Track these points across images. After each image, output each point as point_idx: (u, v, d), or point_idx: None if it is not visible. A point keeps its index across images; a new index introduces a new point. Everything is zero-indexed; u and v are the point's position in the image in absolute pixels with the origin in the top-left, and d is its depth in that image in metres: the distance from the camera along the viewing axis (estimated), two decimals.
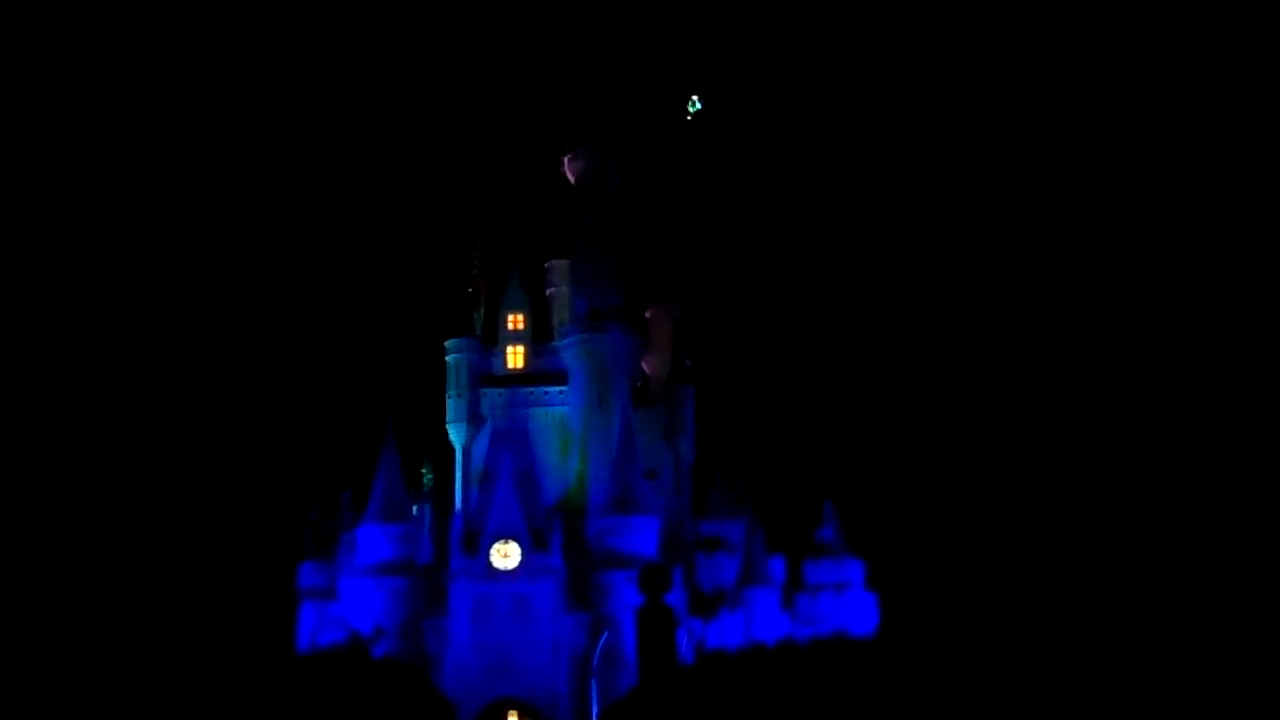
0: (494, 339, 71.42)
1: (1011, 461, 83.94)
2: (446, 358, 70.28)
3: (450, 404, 69.77)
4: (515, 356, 71.24)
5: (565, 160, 73.15)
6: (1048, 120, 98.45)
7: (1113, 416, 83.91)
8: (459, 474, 69.64)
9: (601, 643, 61.55)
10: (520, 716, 60.83)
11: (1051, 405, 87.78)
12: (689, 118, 76.34)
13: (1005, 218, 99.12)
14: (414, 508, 66.33)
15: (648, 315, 74.54)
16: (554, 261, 74.14)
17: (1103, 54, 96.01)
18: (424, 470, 71.08)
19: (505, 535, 61.91)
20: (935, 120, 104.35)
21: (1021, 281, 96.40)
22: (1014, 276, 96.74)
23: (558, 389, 70.01)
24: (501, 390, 70.10)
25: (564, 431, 69.45)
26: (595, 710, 60.43)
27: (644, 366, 73.52)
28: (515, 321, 71.64)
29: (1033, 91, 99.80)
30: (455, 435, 69.67)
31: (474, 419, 69.41)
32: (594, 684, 61.12)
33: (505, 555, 61.70)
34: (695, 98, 76.43)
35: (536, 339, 71.57)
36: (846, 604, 65.00)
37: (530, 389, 70.26)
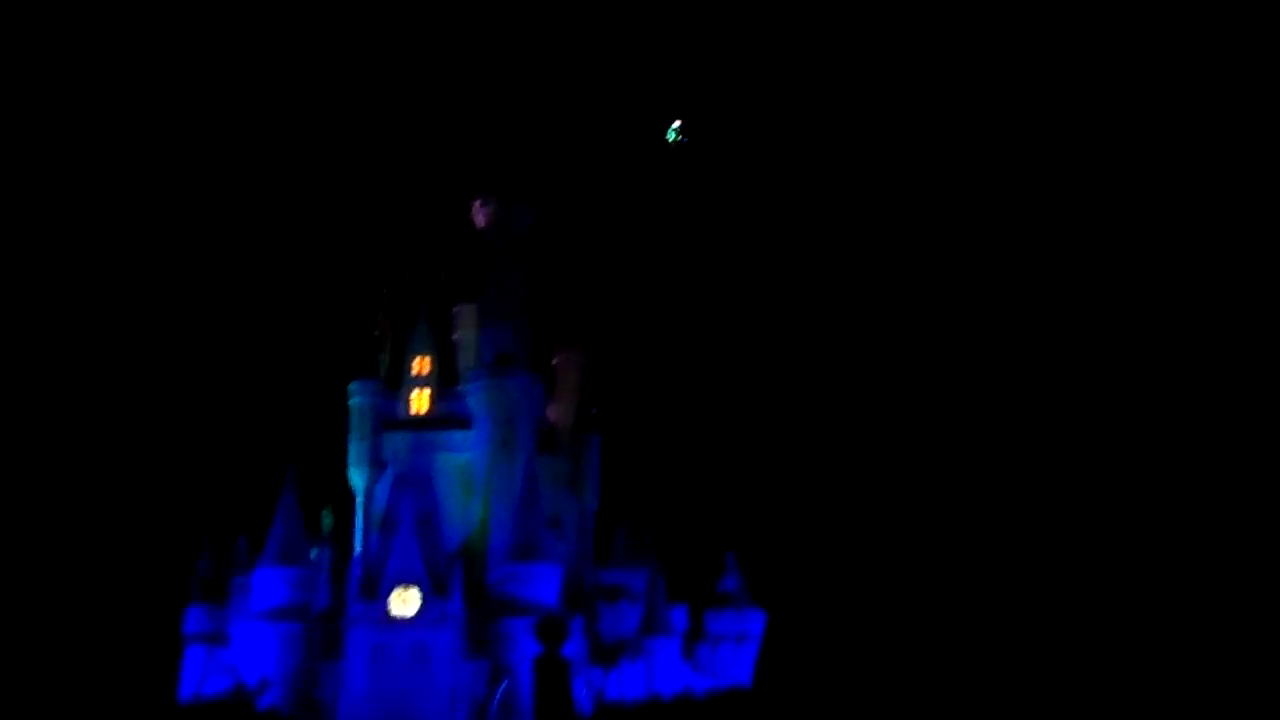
0: (398, 382, 70.66)
1: (919, 509, 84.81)
2: (349, 400, 69.49)
3: (352, 447, 68.92)
4: (420, 400, 70.55)
5: (474, 205, 73.00)
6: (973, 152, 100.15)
7: (1023, 458, 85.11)
8: (360, 518, 68.68)
9: (500, 692, 60.78)
10: None
11: (953, 449, 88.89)
12: (671, 145, 76.01)
13: (913, 269, 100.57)
14: (313, 552, 65.13)
15: (554, 362, 74.38)
16: (461, 306, 73.57)
17: (1078, 54, 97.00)
18: (324, 514, 69.83)
19: (405, 580, 60.89)
20: (846, 163, 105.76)
21: (928, 331, 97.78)
22: (919, 328, 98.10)
23: (462, 434, 69.27)
24: (405, 434, 69.21)
25: (467, 477, 68.73)
26: None
27: (549, 414, 73.19)
28: (421, 365, 70.99)
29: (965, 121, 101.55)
30: (357, 479, 68.79)
31: (376, 463, 68.58)
32: None
33: (405, 601, 60.73)
34: (676, 125, 76.16)
35: (442, 383, 70.93)
36: (747, 655, 65.09)
37: (434, 433, 69.42)
